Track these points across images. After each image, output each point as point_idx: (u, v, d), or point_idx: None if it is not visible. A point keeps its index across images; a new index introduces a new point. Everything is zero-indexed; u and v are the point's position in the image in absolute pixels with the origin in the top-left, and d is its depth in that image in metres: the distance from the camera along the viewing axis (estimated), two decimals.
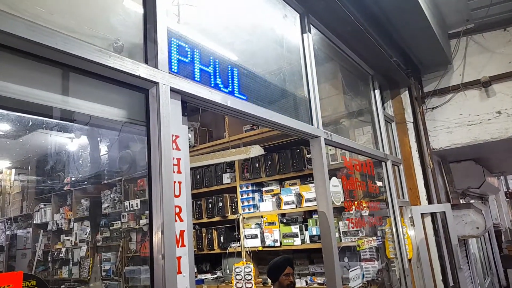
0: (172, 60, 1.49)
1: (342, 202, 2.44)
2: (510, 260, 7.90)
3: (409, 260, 3.52)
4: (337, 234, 4.04)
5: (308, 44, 2.48)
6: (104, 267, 5.33)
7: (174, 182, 1.34)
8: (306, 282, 4.25)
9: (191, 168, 5.16)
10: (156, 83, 1.35)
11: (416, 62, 3.97)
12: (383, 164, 3.32)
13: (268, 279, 3.52)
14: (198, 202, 5.05)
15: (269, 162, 4.55)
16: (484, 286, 5.90)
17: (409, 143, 3.87)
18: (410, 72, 3.93)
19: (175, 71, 1.50)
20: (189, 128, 5.18)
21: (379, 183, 3.62)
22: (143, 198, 4.98)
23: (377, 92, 3.50)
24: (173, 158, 1.36)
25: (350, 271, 2.34)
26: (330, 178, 2.33)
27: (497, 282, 7.19)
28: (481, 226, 4.02)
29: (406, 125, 3.92)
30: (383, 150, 3.34)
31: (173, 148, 1.37)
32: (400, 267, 3.19)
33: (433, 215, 3.70)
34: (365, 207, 3.02)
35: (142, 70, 1.31)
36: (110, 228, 5.41)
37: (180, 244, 1.32)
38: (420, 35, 3.47)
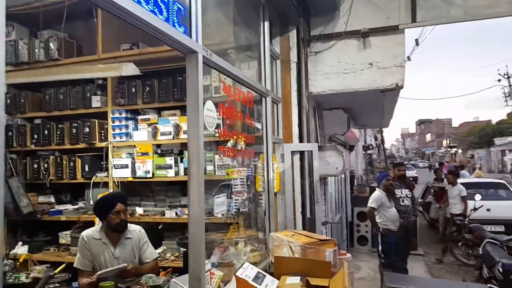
0: None
1: (216, 129, 2.32)
2: (358, 200, 9.30)
3: (275, 194, 3.71)
4: (211, 167, 4.02)
5: None
6: None
7: None
8: (176, 213, 4.20)
9: (52, 85, 4.42)
10: None
11: (307, 2, 3.95)
12: (263, 99, 3.29)
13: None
14: (60, 126, 4.42)
15: (148, 88, 4.15)
16: (335, 219, 6.81)
17: (290, 83, 3.93)
18: (301, 11, 3.89)
19: None
20: (50, 37, 4.36)
21: (258, 125, 3.62)
22: None
23: (266, 24, 3.37)
24: None
25: (215, 198, 2.30)
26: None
27: (345, 217, 8.40)
28: (340, 166, 4.46)
29: (290, 65, 3.94)
30: (265, 85, 3.30)
31: None
32: (266, 199, 3.33)
33: (302, 153, 3.93)
34: (241, 138, 2.98)
35: None
36: None
37: None
38: None
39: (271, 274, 2.54)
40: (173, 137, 4.09)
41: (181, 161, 4.12)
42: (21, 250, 4.53)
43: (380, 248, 5.50)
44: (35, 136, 4.52)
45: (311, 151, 3.85)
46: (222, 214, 3.24)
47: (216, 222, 3.95)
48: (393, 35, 3.99)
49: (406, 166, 6.70)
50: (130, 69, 3.02)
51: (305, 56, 4.01)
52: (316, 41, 4.19)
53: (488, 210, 7.76)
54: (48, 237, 4.61)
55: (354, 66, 4.13)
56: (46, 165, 4.48)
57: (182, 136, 4.06)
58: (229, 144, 3.32)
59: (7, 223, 4.56)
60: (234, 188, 3.90)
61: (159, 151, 4.11)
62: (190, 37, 1.93)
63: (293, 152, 3.85)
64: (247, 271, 2.21)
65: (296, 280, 2.34)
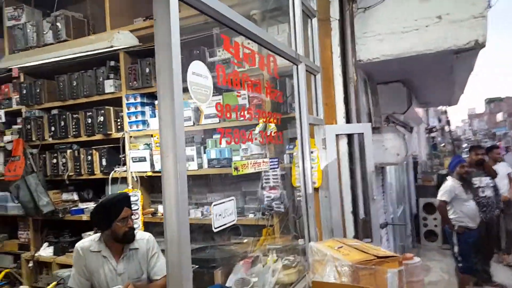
0: None
1: (209, 101, 1.61)
2: (423, 189, 8.13)
3: (316, 189, 2.93)
4: (238, 158, 3.34)
5: None
6: None
7: None
8: (202, 213, 3.59)
9: (64, 71, 3.99)
10: None
11: None
12: (294, 68, 2.51)
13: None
14: (75, 116, 3.98)
15: None
16: (396, 214, 5.82)
17: (331, 47, 3.07)
18: None
19: None
20: (57, 16, 3.90)
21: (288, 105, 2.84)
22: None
23: None
24: None
25: (214, 206, 1.60)
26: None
27: (409, 210, 7.32)
28: (402, 152, 3.53)
29: (330, 24, 3.08)
30: (296, 49, 2.51)
31: None
32: (303, 197, 2.57)
33: (350, 137, 3.08)
34: (271, 119, 2.24)
35: None
36: None
37: None
38: None
39: None
40: (194, 123, 3.46)
41: (204, 152, 3.50)
42: (46, 252, 4.25)
43: (456, 249, 4.48)
44: (52, 128, 4.15)
45: (362, 133, 2.99)
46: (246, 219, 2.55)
47: (244, 224, 3.28)
48: None
49: None
50: (125, 39, 2.37)
51: (350, 14, 3.12)
52: None
53: None
54: (73, 238, 4.27)
55: (417, 22, 3.16)
56: (64, 160, 4.10)
57: (204, 121, 3.42)
58: (258, 128, 2.61)
59: (32, 223, 4.31)
60: (266, 182, 3.19)
61: None
62: None
63: (338, 136, 3.03)
64: None
65: None
